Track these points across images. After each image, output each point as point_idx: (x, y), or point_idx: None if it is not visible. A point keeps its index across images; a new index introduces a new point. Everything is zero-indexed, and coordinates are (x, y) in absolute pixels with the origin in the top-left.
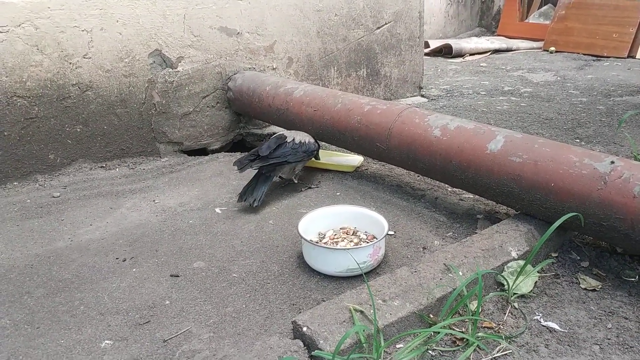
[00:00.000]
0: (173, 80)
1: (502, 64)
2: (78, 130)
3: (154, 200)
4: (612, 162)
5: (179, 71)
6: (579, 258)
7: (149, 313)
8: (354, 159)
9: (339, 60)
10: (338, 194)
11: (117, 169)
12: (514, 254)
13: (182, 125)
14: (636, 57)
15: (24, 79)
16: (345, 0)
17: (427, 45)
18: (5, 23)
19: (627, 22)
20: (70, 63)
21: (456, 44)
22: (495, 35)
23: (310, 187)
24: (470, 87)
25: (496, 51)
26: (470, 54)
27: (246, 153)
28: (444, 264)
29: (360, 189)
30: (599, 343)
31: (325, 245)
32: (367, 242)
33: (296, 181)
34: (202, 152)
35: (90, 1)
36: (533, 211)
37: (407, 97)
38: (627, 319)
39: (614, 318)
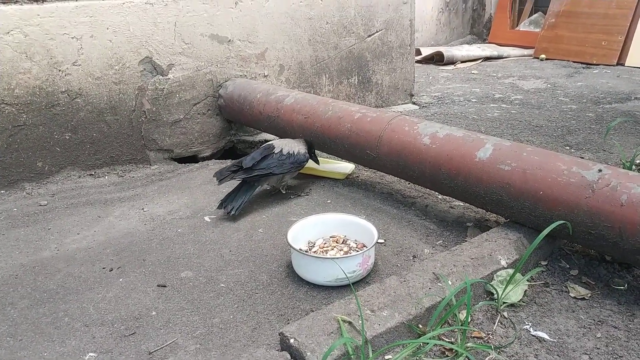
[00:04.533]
0: (164, 88)
1: (493, 71)
2: (67, 137)
3: (142, 209)
4: (600, 171)
5: (169, 78)
6: (568, 266)
7: (134, 324)
8: (345, 167)
9: (331, 68)
10: (329, 201)
11: (106, 177)
12: (503, 263)
13: (172, 133)
14: (625, 65)
15: (12, 86)
16: (336, 8)
17: (418, 52)
18: None
19: (615, 30)
20: (59, 70)
21: (447, 51)
22: (486, 43)
23: (299, 195)
24: (462, 95)
25: (487, 58)
26: (462, 62)
27: (229, 163)
28: (434, 273)
29: (351, 196)
30: (588, 352)
31: (314, 255)
32: (357, 251)
33: (284, 192)
34: (193, 159)
35: (80, 9)
36: (522, 219)
37: (399, 104)
38: (616, 327)
39: (603, 327)
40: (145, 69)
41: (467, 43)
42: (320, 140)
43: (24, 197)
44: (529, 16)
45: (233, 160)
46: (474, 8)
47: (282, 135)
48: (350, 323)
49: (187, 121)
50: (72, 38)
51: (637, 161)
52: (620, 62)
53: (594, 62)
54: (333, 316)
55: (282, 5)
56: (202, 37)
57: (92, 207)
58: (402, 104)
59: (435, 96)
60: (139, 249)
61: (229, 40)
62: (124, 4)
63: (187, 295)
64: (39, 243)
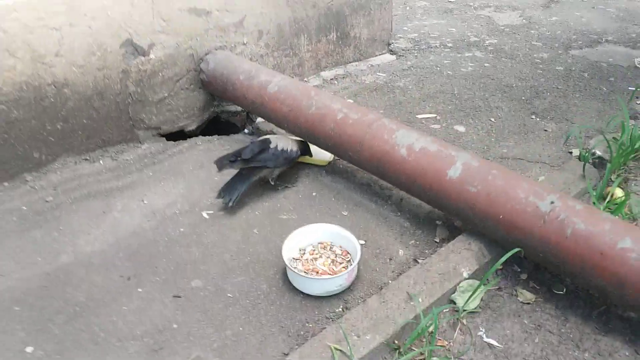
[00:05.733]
0: (146, 68)
1: None
2: (59, 127)
3: (142, 200)
4: (552, 202)
5: (151, 58)
6: (519, 270)
7: (160, 338)
8: (328, 154)
9: (309, 27)
10: (314, 194)
11: (100, 161)
12: (465, 275)
13: (158, 111)
14: None
15: (0, 85)
16: None
17: None
18: None
19: None
20: (43, 63)
21: None
22: None
23: (287, 187)
24: (437, 37)
25: None
26: None
27: (215, 138)
28: (407, 292)
29: (333, 187)
30: (526, 358)
31: (307, 276)
32: (342, 258)
33: (272, 183)
34: (180, 133)
35: None
36: (484, 232)
37: (376, 55)
38: (551, 332)
39: (541, 332)
40: (126, 51)
41: None
42: (305, 134)
43: (28, 192)
44: None
45: (229, 153)
46: None
47: (267, 119)
48: (341, 351)
49: (171, 98)
50: (52, 29)
51: (594, 151)
52: None
53: None
54: (327, 344)
55: None
56: (180, 12)
57: (94, 199)
58: (380, 54)
59: (411, 39)
60: (149, 253)
61: (207, 12)
62: None
63: (200, 305)
64: (55, 246)
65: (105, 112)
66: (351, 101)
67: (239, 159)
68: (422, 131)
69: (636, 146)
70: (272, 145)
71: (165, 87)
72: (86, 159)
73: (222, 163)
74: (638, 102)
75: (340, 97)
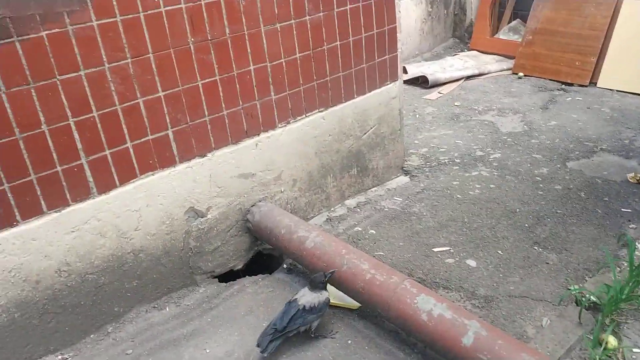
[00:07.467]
0: (204, 227)
1: (474, 101)
2: (135, 284)
3: (205, 349)
4: None
5: (209, 218)
6: None
7: None
8: None
9: (334, 169)
10: (349, 342)
11: (167, 308)
12: None
13: (213, 258)
14: (597, 86)
15: (92, 260)
16: (336, 121)
17: (405, 71)
18: (75, 224)
19: (588, 52)
20: (125, 238)
21: (432, 75)
22: (468, 50)
23: (325, 337)
24: (446, 151)
25: (469, 77)
26: (447, 82)
27: (260, 277)
28: None
29: (366, 334)
30: None
31: None
32: None
33: (312, 335)
34: (230, 272)
35: (137, 187)
36: None
37: (392, 179)
38: None
39: None
40: (189, 216)
41: (450, 47)
42: (339, 288)
43: (112, 345)
44: (508, 22)
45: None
46: (455, 13)
47: (307, 269)
48: None
49: (223, 245)
50: (133, 211)
51: (589, 297)
52: (593, 82)
53: (569, 81)
54: None
55: (294, 134)
56: (231, 179)
57: (166, 350)
58: (395, 178)
59: (422, 154)
60: None
61: (253, 174)
62: (169, 173)
63: None
64: None
65: (171, 266)
66: (378, 259)
67: (275, 330)
68: (439, 296)
69: (624, 294)
70: (300, 307)
71: (218, 238)
72: (155, 307)
73: (264, 342)
74: (631, 226)
75: (367, 255)
